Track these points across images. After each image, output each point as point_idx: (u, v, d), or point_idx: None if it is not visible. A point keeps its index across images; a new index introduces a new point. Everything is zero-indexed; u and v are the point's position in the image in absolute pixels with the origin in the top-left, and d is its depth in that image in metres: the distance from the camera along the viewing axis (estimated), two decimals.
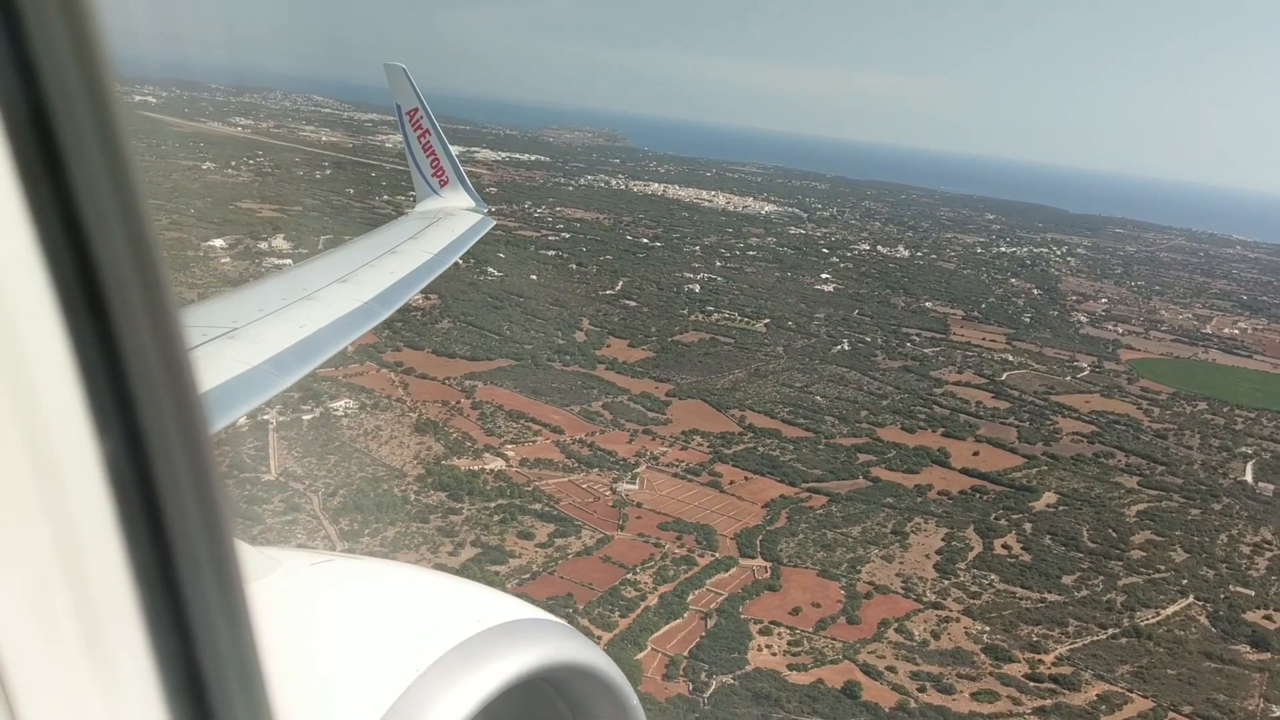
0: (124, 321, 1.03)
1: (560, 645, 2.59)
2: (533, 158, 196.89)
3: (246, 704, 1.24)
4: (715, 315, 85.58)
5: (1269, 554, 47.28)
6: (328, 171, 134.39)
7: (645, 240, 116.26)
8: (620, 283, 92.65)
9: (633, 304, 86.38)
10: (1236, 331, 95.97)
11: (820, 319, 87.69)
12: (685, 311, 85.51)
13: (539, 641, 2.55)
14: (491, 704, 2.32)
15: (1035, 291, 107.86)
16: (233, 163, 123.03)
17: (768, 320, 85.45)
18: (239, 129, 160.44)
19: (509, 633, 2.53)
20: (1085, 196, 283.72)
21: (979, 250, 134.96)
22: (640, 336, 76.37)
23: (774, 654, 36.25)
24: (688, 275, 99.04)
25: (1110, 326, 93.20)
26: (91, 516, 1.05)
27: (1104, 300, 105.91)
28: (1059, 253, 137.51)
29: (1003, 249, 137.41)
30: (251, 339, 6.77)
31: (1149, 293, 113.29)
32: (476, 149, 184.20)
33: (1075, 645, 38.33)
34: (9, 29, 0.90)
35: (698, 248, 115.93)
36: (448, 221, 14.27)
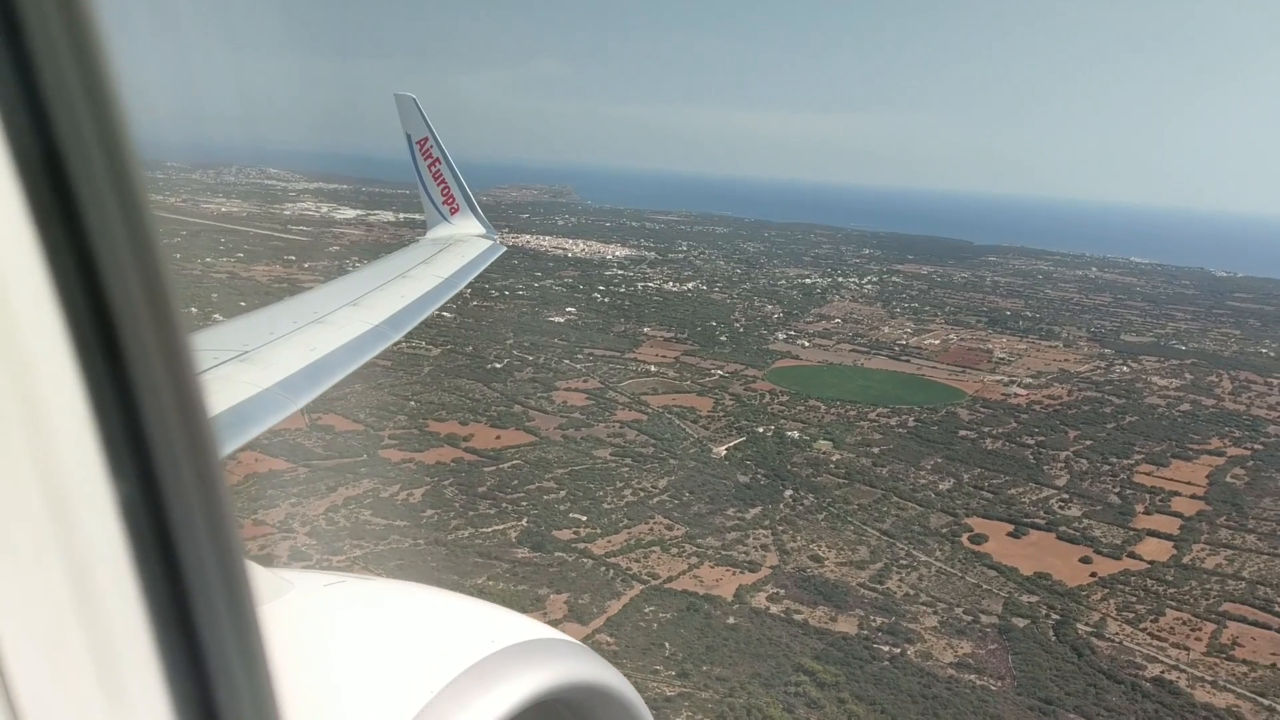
0: (137, 362, 1.13)
1: (574, 665, 2.86)
2: None
3: None
4: (404, 344, 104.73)
5: (642, 496, 63.75)
6: (177, 240, 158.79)
7: None
8: None
9: None
10: (936, 343, 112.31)
11: (509, 343, 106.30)
12: None
13: (553, 661, 2.81)
14: None
15: (776, 315, 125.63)
16: None
17: (449, 346, 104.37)
18: None
19: (523, 653, 2.80)
20: (1014, 228, 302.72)
21: (782, 282, 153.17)
22: None
23: None
24: None
25: (803, 342, 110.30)
26: (107, 555, 1.15)
27: (837, 320, 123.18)
28: (863, 282, 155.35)
29: (809, 280, 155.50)
30: (263, 361, 7.66)
31: (901, 313, 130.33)
32: (380, 211, 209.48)
33: (374, 550, 55.32)
34: (22, 72, 1.00)
35: (469, 291, 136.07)
36: (458, 247, 15.74)
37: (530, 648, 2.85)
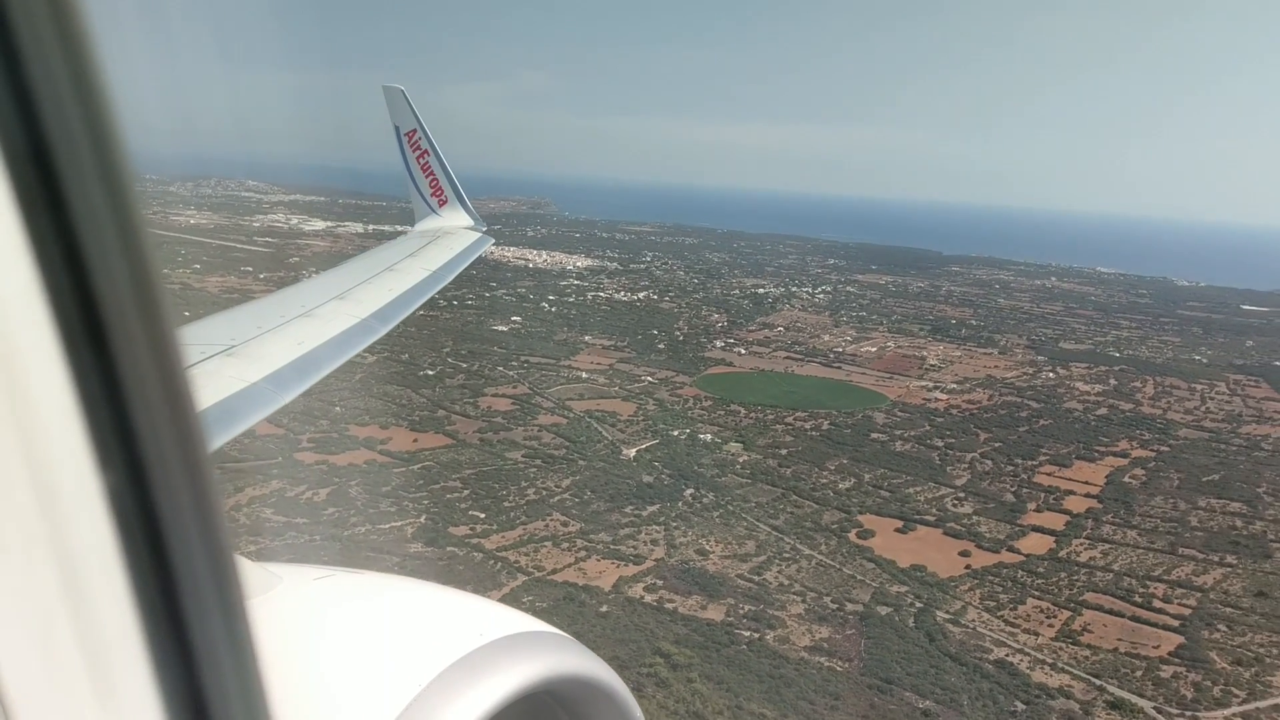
0: (125, 354, 1.15)
1: (562, 657, 2.95)
2: (400, 229, 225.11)
3: None
4: None
5: (544, 494, 66.60)
6: None
7: None
8: None
9: None
10: (873, 350, 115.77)
11: (446, 351, 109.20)
12: None
13: (541, 654, 2.90)
14: (495, 718, 2.62)
15: (720, 324, 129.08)
16: None
17: (385, 354, 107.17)
18: None
19: (511, 646, 2.88)
20: (986, 238, 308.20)
21: (735, 291, 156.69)
22: None
23: None
24: None
25: (740, 350, 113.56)
26: (95, 548, 1.16)
27: (780, 329, 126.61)
28: (815, 291, 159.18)
29: (762, 289, 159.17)
30: (250, 356, 7.76)
31: (845, 322, 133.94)
32: (349, 223, 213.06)
33: (268, 545, 57.96)
34: (9, 63, 1.01)
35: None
36: (446, 239, 15.87)
37: (519, 641, 2.96)
